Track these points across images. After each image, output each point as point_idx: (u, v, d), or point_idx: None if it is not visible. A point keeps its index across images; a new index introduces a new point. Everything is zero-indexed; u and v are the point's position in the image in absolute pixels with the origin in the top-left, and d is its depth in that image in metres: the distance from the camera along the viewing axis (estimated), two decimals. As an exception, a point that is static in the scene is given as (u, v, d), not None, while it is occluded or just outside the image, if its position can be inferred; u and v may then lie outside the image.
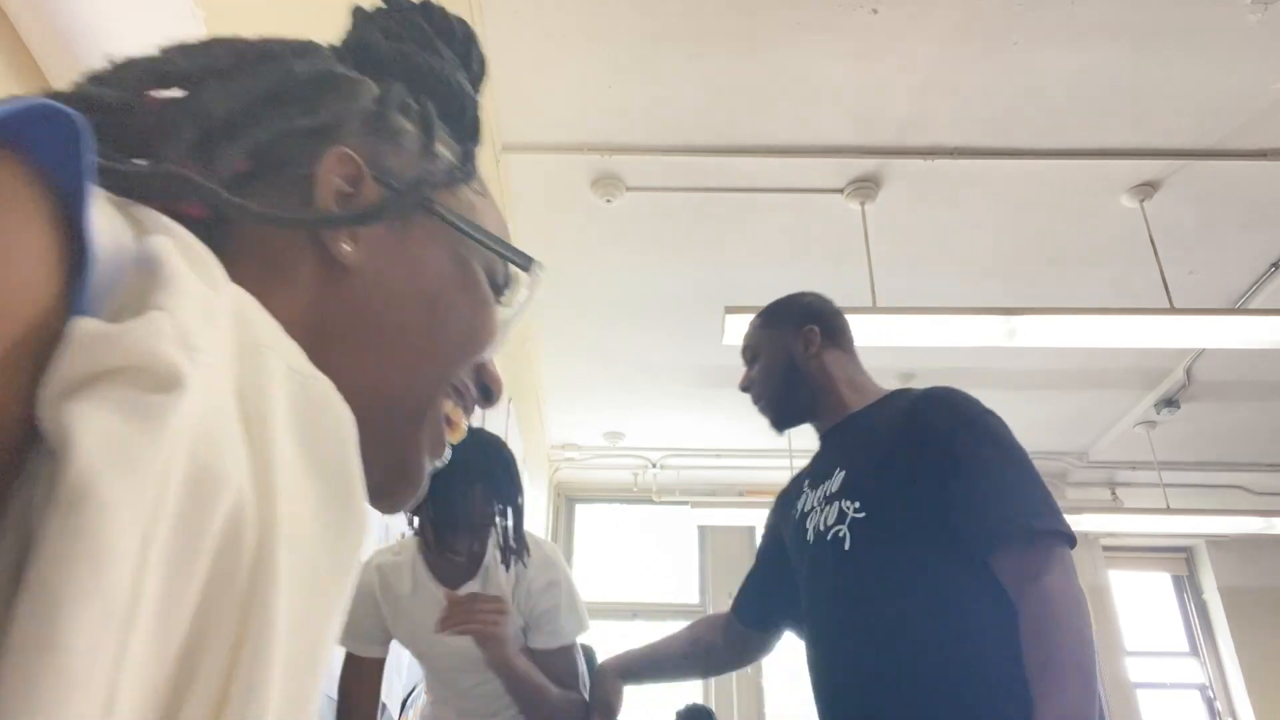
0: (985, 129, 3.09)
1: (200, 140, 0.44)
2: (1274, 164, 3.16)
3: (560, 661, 1.69)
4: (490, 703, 1.69)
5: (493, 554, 1.66)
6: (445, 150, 0.56)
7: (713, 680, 5.67)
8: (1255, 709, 5.71)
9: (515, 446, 4.11)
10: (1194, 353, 4.40)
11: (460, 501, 1.56)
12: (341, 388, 0.45)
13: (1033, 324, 3.17)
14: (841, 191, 3.39)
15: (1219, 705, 5.94)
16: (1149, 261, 3.40)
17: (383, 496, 0.50)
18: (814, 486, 1.51)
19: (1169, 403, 4.82)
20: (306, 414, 0.36)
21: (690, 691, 5.60)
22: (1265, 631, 5.94)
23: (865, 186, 3.35)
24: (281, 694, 0.31)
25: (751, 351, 1.66)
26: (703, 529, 6.19)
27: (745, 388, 1.66)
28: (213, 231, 0.41)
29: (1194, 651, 6.21)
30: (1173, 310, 3.17)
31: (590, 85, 2.95)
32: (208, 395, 0.30)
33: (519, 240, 3.77)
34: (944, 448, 1.30)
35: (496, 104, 3.03)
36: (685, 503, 5.45)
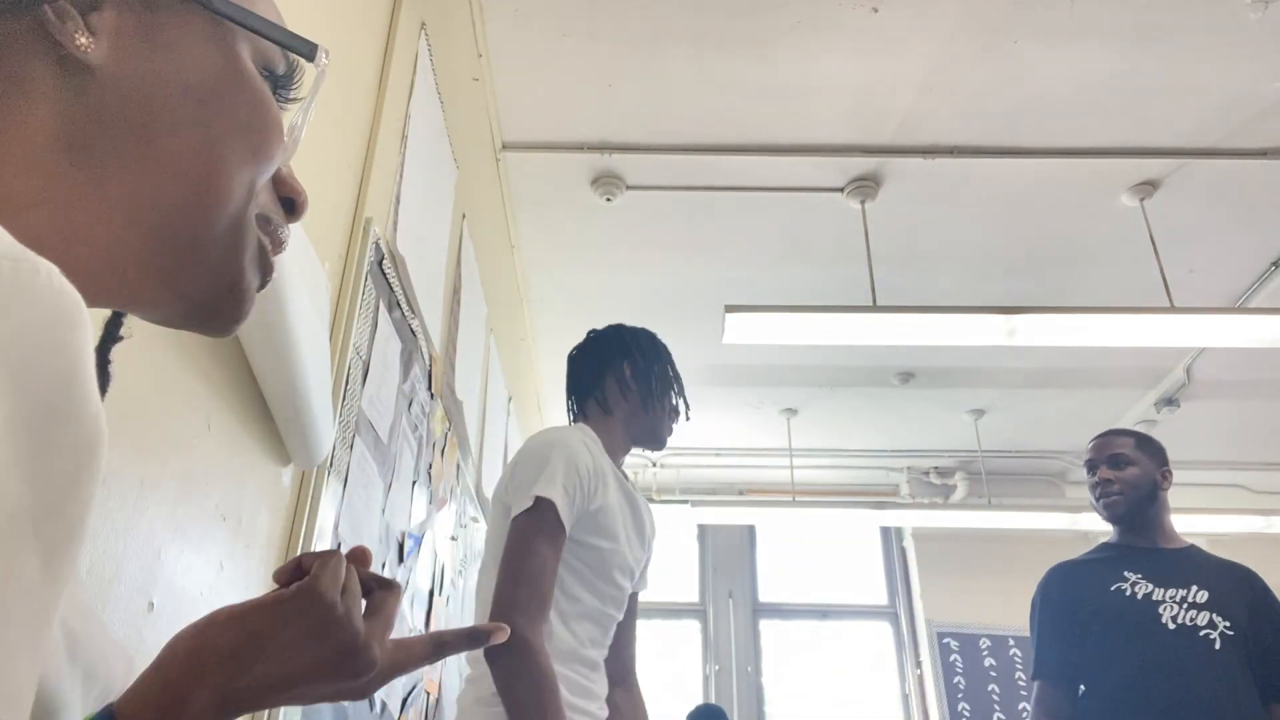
0: (985, 128, 3.09)
1: None
2: (1274, 163, 3.16)
3: (633, 645, 1.86)
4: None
5: None
6: None
7: (713, 678, 5.68)
8: (1255, 708, 5.71)
9: (515, 445, 4.11)
10: (1194, 352, 4.40)
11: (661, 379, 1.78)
12: (119, 212, 0.40)
13: (1033, 323, 3.17)
14: (842, 190, 3.39)
15: (1219, 704, 5.95)
16: (1149, 260, 3.40)
17: (208, 318, 0.46)
18: (1159, 584, 2.06)
19: (1169, 402, 4.82)
20: None
21: (695, 692, 5.60)
22: (1265, 630, 5.94)
23: (865, 185, 3.35)
24: None
25: (1126, 460, 2.19)
26: (703, 528, 6.19)
27: (1107, 480, 2.17)
28: None
29: (1194, 650, 6.21)
30: (1173, 309, 3.17)
31: (590, 83, 2.95)
32: None
33: (520, 240, 3.79)
34: (1273, 622, 2.05)
35: (496, 102, 3.03)
36: (685, 502, 5.45)
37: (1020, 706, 5.35)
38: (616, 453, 1.73)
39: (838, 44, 2.77)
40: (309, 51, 0.48)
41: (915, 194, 3.41)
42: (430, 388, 2.38)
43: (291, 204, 0.49)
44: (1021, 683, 5.47)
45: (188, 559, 1.14)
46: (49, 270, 0.30)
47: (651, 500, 5.95)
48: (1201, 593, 2.02)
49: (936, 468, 5.78)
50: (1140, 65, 2.81)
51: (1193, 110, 2.98)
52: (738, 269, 3.89)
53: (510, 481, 1.58)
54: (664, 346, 1.82)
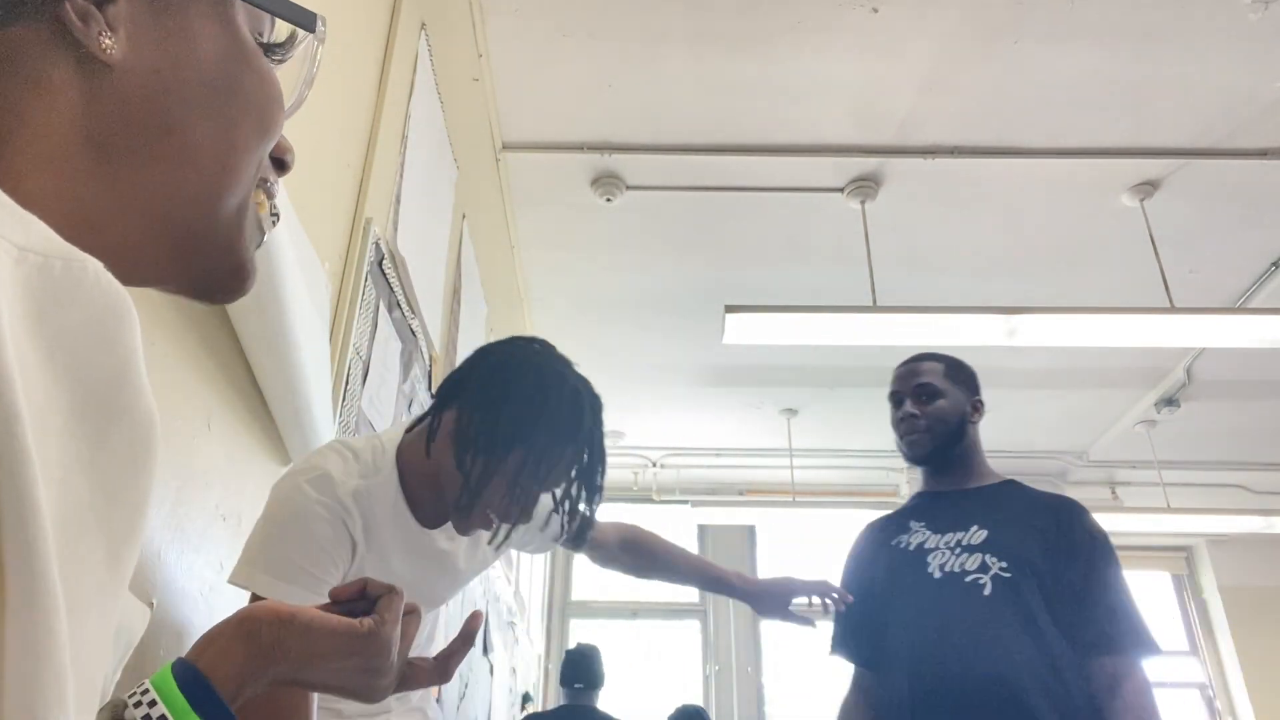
0: (986, 128, 3.09)
1: None
2: (1274, 163, 3.16)
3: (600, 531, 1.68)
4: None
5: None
6: None
7: (713, 678, 5.67)
8: (1255, 708, 5.71)
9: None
10: (1194, 352, 4.40)
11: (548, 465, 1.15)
12: (134, 203, 0.41)
13: (1033, 323, 3.17)
14: (842, 190, 3.39)
15: (1219, 704, 5.94)
16: (1149, 260, 3.40)
17: (212, 293, 0.47)
18: (936, 530, 1.79)
19: (1169, 402, 4.82)
20: (49, 305, 0.29)
21: (695, 692, 5.60)
22: (1265, 631, 5.94)
23: (865, 185, 3.35)
24: (72, 647, 0.27)
25: (933, 390, 1.89)
26: (703, 528, 6.18)
27: (914, 415, 1.85)
28: None
29: (1194, 651, 6.21)
30: (1173, 309, 3.17)
31: (590, 84, 2.94)
32: None
33: (520, 240, 3.79)
34: (1083, 562, 1.70)
35: (496, 102, 3.03)
36: (685, 502, 5.45)
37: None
38: (422, 505, 1.21)
39: (838, 44, 2.76)
40: (310, 22, 0.48)
41: (915, 194, 3.40)
42: (430, 388, 2.38)
43: (282, 162, 0.50)
44: (1021, 683, 5.47)
45: (188, 559, 1.14)
46: (97, 268, 0.31)
47: (651, 500, 5.96)
48: (980, 533, 1.73)
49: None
50: (1140, 65, 2.81)
51: (1193, 110, 2.98)
52: (738, 269, 3.89)
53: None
54: (572, 424, 1.19)
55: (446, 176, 2.56)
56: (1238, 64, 2.78)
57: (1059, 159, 3.19)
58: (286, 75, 0.49)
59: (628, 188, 3.38)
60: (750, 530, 6.14)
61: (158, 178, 0.41)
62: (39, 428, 0.27)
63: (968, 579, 1.67)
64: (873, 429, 5.41)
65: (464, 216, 2.85)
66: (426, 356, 2.34)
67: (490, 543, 1.25)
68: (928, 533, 1.79)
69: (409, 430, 1.21)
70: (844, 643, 1.89)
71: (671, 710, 4.09)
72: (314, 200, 1.54)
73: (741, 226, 3.63)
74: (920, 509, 1.88)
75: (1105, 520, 5.93)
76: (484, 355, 1.20)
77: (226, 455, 1.26)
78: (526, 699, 4.88)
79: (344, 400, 1.66)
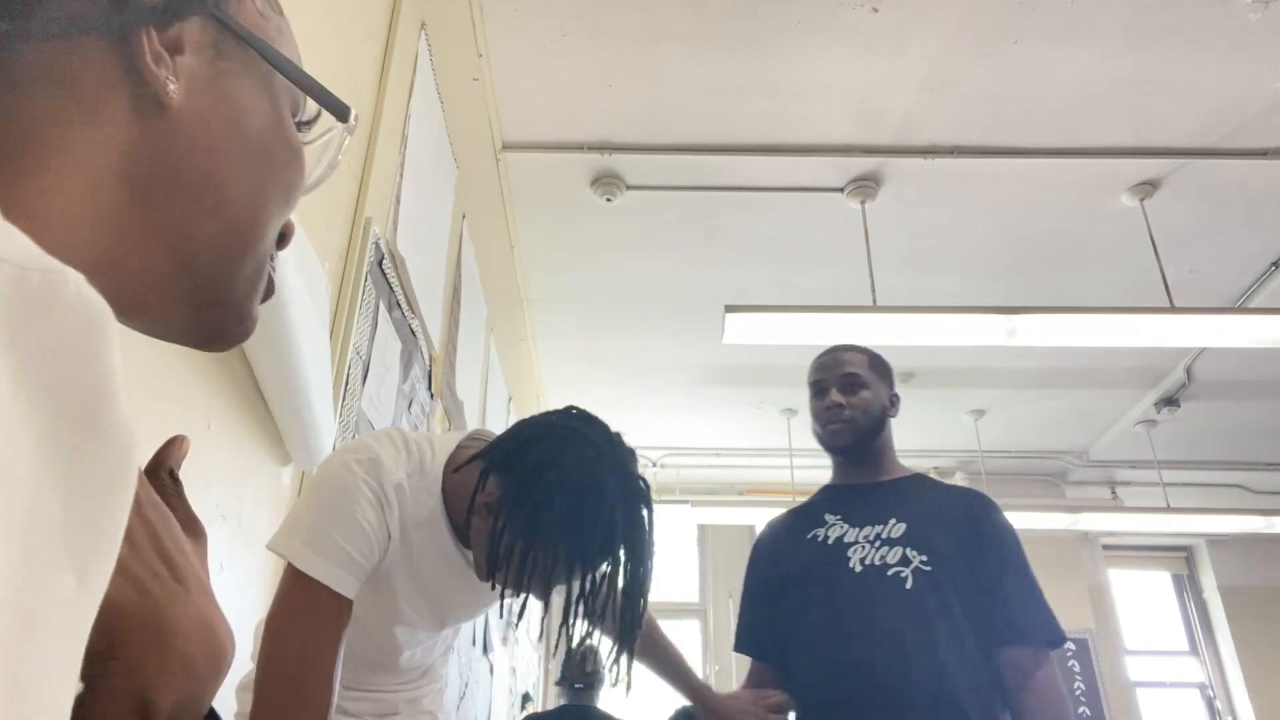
0: (985, 128, 3.09)
1: None
2: (1274, 163, 3.16)
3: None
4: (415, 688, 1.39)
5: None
6: None
7: (712, 678, 5.67)
8: (1255, 708, 5.71)
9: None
10: (1194, 352, 4.40)
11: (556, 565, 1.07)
12: (159, 245, 0.42)
13: (1033, 323, 3.17)
14: (842, 190, 3.39)
15: (1219, 704, 5.95)
16: (1149, 260, 3.40)
17: (215, 341, 0.48)
18: (855, 523, 1.76)
19: (1169, 402, 4.82)
20: (23, 318, 0.28)
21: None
22: (1265, 630, 5.94)
23: (865, 185, 3.35)
24: (27, 669, 0.26)
25: (858, 382, 1.85)
26: (703, 528, 6.18)
27: (839, 405, 1.82)
28: None
29: (1194, 650, 6.21)
30: (1173, 309, 3.17)
31: (590, 83, 2.94)
32: None
33: (520, 240, 3.79)
34: (996, 552, 1.70)
35: (496, 102, 3.03)
36: (685, 502, 5.45)
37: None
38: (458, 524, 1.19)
39: (838, 44, 2.77)
40: (344, 114, 0.51)
41: (915, 194, 3.41)
42: (430, 388, 2.38)
43: (284, 237, 0.52)
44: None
45: (188, 559, 1.14)
46: (77, 280, 0.30)
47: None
48: (899, 525, 1.72)
49: (936, 468, 5.77)
50: (1140, 65, 2.81)
51: (1193, 110, 2.98)
52: (738, 269, 3.89)
53: None
54: (596, 543, 1.08)
55: (446, 176, 2.56)
56: (1238, 64, 2.78)
57: (1059, 159, 3.19)
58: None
59: (628, 187, 3.38)
60: (750, 530, 6.14)
61: (189, 225, 0.43)
62: (6, 446, 0.26)
63: (889, 572, 1.67)
64: (873, 429, 5.41)
65: (464, 216, 2.85)
66: (426, 356, 2.34)
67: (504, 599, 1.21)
68: (845, 526, 1.77)
69: (461, 461, 1.18)
70: (751, 639, 1.87)
71: (671, 710, 4.08)
72: (314, 200, 1.54)
73: (742, 226, 3.63)
74: (833, 501, 1.85)
75: (1105, 520, 5.93)
76: (538, 437, 1.15)
77: (226, 455, 1.26)
78: (526, 699, 4.88)
79: (344, 400, 1.66)
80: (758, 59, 2.82)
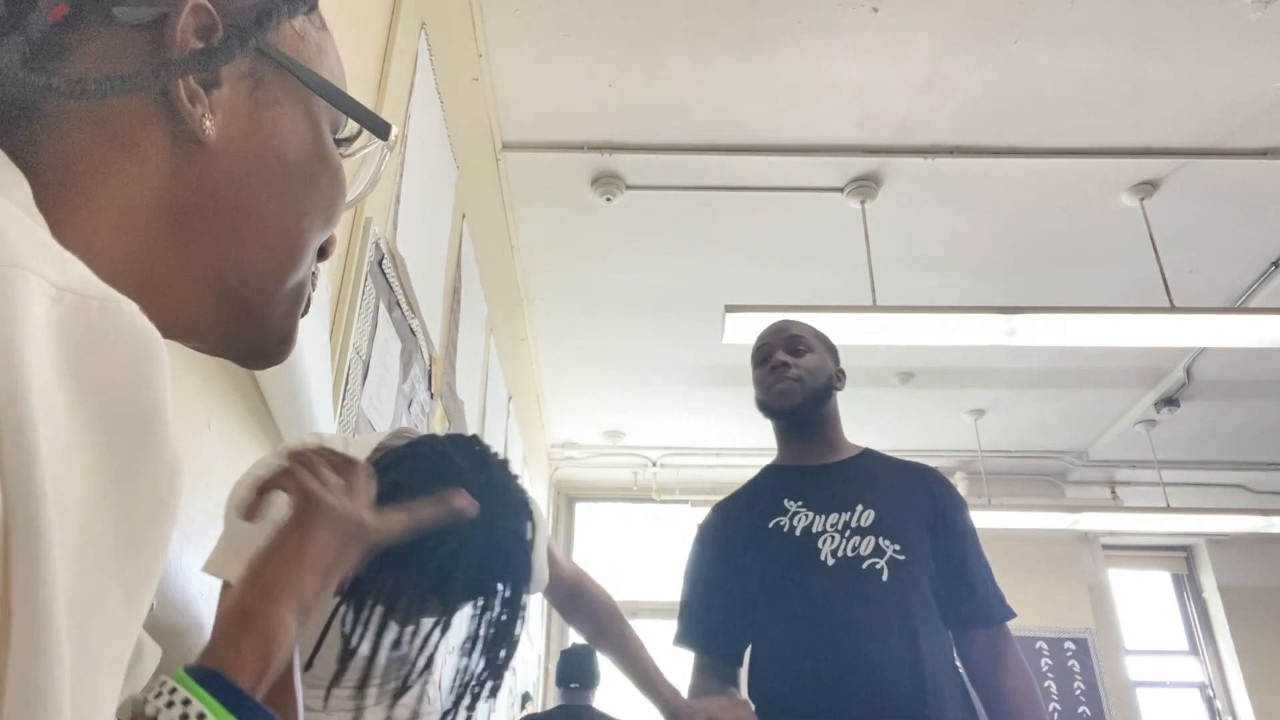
0: (986, 128, 3.09)
1: None
2: (1274, 162, 3.16)
3: (562, 572, 1.54)
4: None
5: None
6: None
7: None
8: (1255, 708, 5.71)
9: (515, 445, 4.10)
10: (1194, 351, 4.40)
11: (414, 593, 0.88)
12: (201, 274, 0.43)
13: (1033, 323, 3.17)
14: (842, 190, 3.39)
15: (1219, 704, 5.95)
16: (1149, 260, 3.40)
17: (252, 359, 0.50)
18: (819, 510, 1.66)
19: (1169, 401, 4.82)
20: (83, 345, 0.29)
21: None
22: (1265, 630, 5.94)
23: (865, 185, 3.35)
24: (81, 692, 0.27)
25: (804, 346, 1.78)
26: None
27: (783, 364, 1.73)
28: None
29: (1194, 650, 6.21)
30: (1173, 309, 3.17)
31: (591, 83, 2.94)
32: None
33: (520, 239, 3.79)
34: (959, 532, 1.68)
35: (497, 102, 3.03)
36: (685, 501, 5.45)
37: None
38: None
39: (838, 44, 2.76)
40: (384, 131, 0.52)
41: (915, 194, 3.41)
42: (430, 388, 2.38)
43: (324, 250, 0.53)
44: (1021, 682, 5.47)
45: (188, 559, 1.14)
46: (131, 309, 0.31)
47: (651, 500, 5.97)
48: (867, 513, 1.63)
49: (936, 467, 5.78)
50: (1140, 65, 2.81)
51: (1193, 110, 2.98)
52: (738, 269, 3.89)
53: None
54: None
55: (446, 176, 2.56)
56: (1238, 64, 2.78)
57: (1059, 159, 3.19)
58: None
59: (628, 187, 3.38)
60: (750, 530, 6.14)
61: (229, 252, 0.44)
62: (64, 468, 0.27)
63: (864, 564, 1.59)
64: (872, 429, 5.41)
65: (464, 216, 2.85)
66: (426, 356, 2.34)
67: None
68: (810, 514, 1.66)
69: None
70: (701, 635, 1.74)
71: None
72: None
73: (742, 226, 3.63)
74: (788, 485, 1.73)
75: (1105, 520, 5.92)
76: (408, 454, 0.95)
77: (226, 455, 1.26)
78: (526, 699, 4.88)
79: (344, 400, 1.66)
80: (758, 59, 2.82)
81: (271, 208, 0.45)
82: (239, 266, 0.44)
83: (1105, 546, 6.18)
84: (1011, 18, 2.65)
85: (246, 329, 0.47)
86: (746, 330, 3.23)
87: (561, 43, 2.78)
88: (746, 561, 1.68)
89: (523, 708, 4.74)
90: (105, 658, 0.29)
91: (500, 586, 0.94)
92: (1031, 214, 3.50)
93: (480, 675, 0.92)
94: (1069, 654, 5.58)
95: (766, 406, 1.76)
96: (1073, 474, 5.90)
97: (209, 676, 0.49)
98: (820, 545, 1.62)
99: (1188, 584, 6.42)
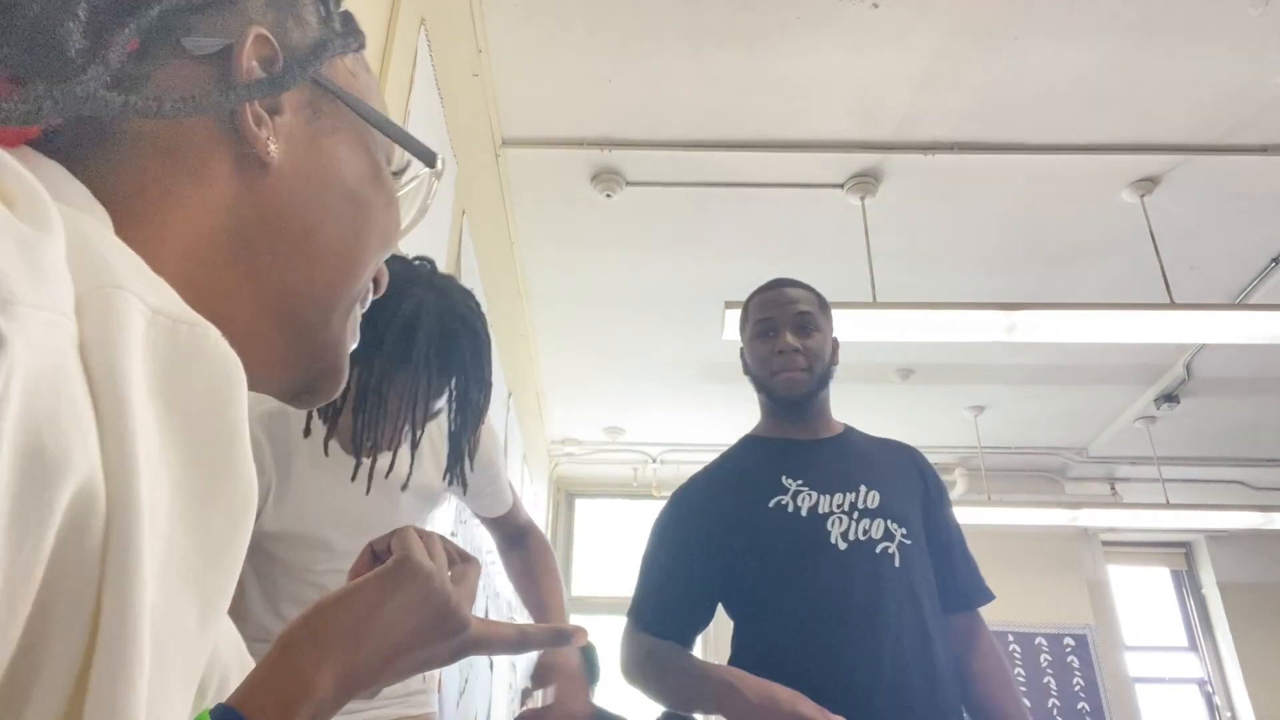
0: (985, 124, 3.09)
1: (90, 17, 0.37)
2: (1275, 159, 3.16)
3: (518, 517, 1.60)
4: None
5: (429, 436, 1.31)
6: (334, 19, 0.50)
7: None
8: (1254, 704, 5.72)
9: (515, 441, 4.11)
10: (1194, 348, 4.40)
11: (394, 386, 1.13)
12: (262, 300, 0.44)
13: (1032, 319, 3.17)
14: (841, 186, 3.39)
15: (1218, 700, 5.95)
16: (1149, 256, 3.40)
17: (306, 393, 0.50)
18: (823, 490, 1.57)
19: (1169, 398, 4.82)
20: (173, 366, 0.30)
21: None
22: (1264, 627, 5.95)
23: (865, 181, 3.35)
24: (153, 705, 0.27)
25: (812, 324, 1.65)
26: (703, 524, 6.16)
27: (795, 350, 1.62)
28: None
29: (1193, 647, 6.22)
30: (1173, 305, 3.17)
31: (590, 80, 2.94)
32: (37, 355, 0.25)
33: (520, 236, 3.78)
34: (945, 513, 1.68)
35: (496, 98, 3.03)
36: (685, 498, 5.44)
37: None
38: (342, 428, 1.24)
39: (838, 40, 2.76)
40: (431, 160, 0.54)
41: (915, 190, 3.40)
42: (430, 384, 2.37)
43: (376, 283, 0.54)
44: (1022, 678, 5.48)
45: (188, 554, 1.14)
46: (216, 334, 0.33)
47: (651, 496, 5.96)
48: (872, 494, 1.56)
49: (936, 464, 5.77)
50: (1140, 61, 2.80)
51: (1193, 106, 2.98)
52: (737, 265, 3.88)
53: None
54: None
55: (446, 172, 2.56)
56: (1238, 60, 2.78)
57: (1059, 155, 3.19)
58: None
59: (628, 183, 3.38)
60: (750, 526, 6.14)
61: (291, 273, 0.45)
62: (152, 483, 0.28)
63: (877, 549, 1.52)
64: (872, 425, 5.40)
65: (464, 212, 2.85)
66: (426, 352, 2.33)
67: (388, 475, 1.23)
68: (814, 493, 1.56)
69: None
70: (667, 619, 1.59)
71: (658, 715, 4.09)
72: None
73: (741, 222, 3.63)
74: (782, 461, 1.62)
75: (1105, 516, 5.90)
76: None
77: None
78: (526, 694, 4.88)
79: (343, 396, 1.65)
80: (758, 55, 2.82)
81: (333, 229, 0.47)
82: (300, 287, 0.46)
83: (1105, 543, 6.18)
84: (1011, 13, 2.65)
85: (302, 356, 0.47)
86: (746, 326, 3.23)
87: (561, 39, 2.78)
88: (745, 543, 1.56)
89: (523, 704, 4.75)
90: (177, 673, 0.30)
91: (463, 349, 1.16)
92: (1032, 210, 3.49)
93: (465, 428, 1.18)
94: (1068, 650, 5.59)
95: (767, 390, 1.67)
96: (1072, 470, 5.90)
97: (227, 714, 0.47)
98: (829, 527, 1.53)
99: (1187, 580, 6.42)
